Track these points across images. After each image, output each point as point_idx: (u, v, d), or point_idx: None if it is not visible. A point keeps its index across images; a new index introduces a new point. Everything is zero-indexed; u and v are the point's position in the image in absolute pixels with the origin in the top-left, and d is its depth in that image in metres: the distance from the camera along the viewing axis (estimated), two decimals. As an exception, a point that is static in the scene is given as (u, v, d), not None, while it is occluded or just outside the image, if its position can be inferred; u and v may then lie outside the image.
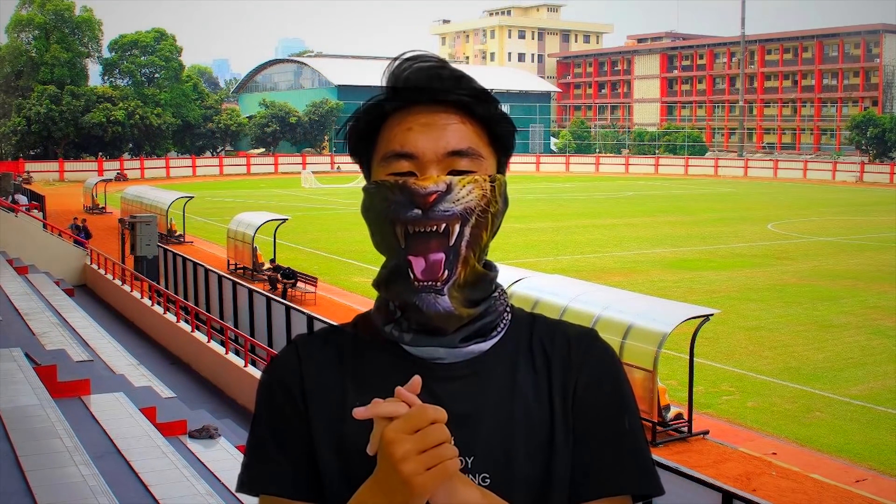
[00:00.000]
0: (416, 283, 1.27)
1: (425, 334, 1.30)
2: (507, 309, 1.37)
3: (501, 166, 1.36)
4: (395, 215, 1.27)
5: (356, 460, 1.24)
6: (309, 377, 1.34)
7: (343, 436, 1.28)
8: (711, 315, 12.45)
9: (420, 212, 1.25)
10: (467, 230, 1.27)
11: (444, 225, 1.26)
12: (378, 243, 1.33)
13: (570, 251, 27.83)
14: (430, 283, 1.27)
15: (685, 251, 27.86)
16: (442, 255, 1.27)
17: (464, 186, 1.26)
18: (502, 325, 1.35)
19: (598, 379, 1.33)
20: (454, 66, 1.34)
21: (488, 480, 1.25)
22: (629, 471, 1.31)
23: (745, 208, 42.00)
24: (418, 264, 1.27)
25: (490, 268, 1.35)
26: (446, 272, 1.27)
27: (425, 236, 1.27)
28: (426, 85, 1.29)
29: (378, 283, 1.35)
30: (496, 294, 1.35)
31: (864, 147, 69.97)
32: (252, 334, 16.03)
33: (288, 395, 1.33)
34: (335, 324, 1.44)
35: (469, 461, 1.25)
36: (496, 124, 1.33)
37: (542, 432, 1.29)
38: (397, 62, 1.33)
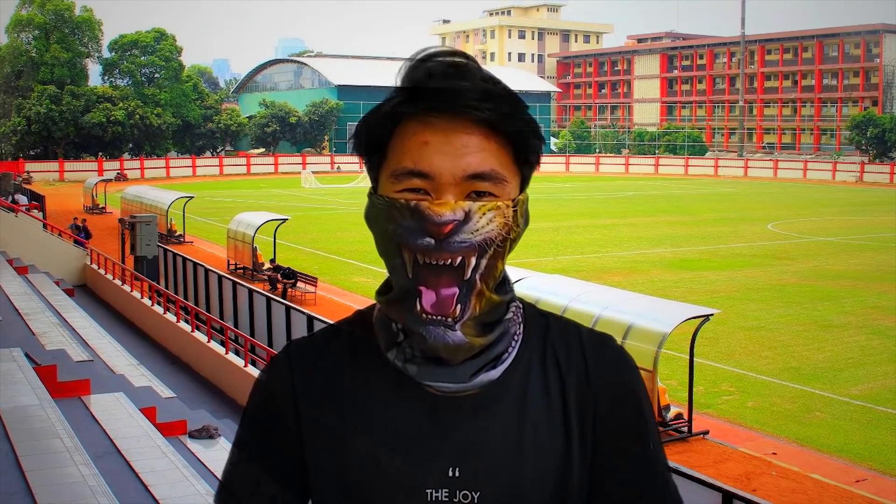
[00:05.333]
0: (423, 315, 1.15)
1: (432, 364, 1.18)
2: (520, 323, 1.25)
3: (525, 183, 1.21)
4: (402, 241, 1.13)
5: (356, 478, 1.20)
6: (302, 393, 1.25)
7: (342, 456, 1.21)
8: (711, 315, 12.45)
9: (433, 241, 1.11)
10: (484, 262, 1.14)
11: (459, 258, 1.12)
12: (382, 256, 1.20)
13: (570, 251, 27.82)
14: (439, 317, 1.14)
15: (685, 251, 27.86)
16: (455, 290, 1.14)
17: (484, 214, 1.12)
18: (514, 345, 1.23)
19: (620, 399, 1.24)
20: (480, 67, 1.17)
21: None
22: (657, 493, 1.25)
23: (745, 208, 41.99)
24: (428, 297, 1.14)
25: (505, 289, 1.22)
26: (459, 307, 1.14)
27: (436, 269, 1.13)
28: (448, 94, 1.13)
29: (383, 300, 1.22)
30: (510, 315, 1.23)
31: (864, 147, 69.96)
32: (252, 334, 16.03)
33: (279, 410, 1.26)
34: (332, 324, 1.34)
35: (476, 496, 1.17)
36: (523, 140, 1.17)
37: (554, 459, 1.20)
38: (416, 60, 1.18)
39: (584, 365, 1.24)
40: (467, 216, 1.12)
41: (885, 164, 65.74)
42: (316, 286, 20.55)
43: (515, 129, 1.16)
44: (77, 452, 7.31)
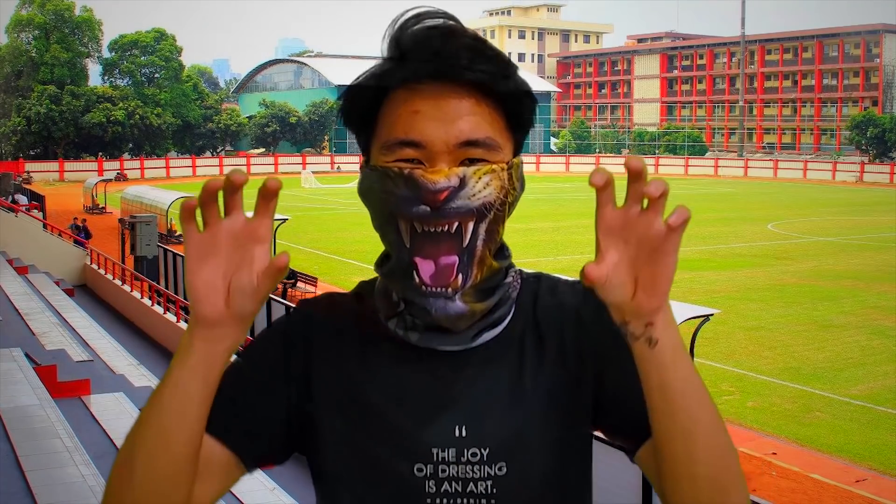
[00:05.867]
0: (423, 287, 1.13)
1: (434, 331, 1.17)
2: (517, 287, 1.24)
3: (519, 147, 1.18)
4: (397, 210, 1.11)
5: (364, 441, 1.19)
6: (318, 342, 1.23)
7: (350, 420, 1.20)
8: (711, 315, 12.42)
9: (428, 209, 1.09)
10: (483, 227, 1.12)
11: (456, 224, 1.10)
12: (378, 229, 1.18)
13: (570, 251, 27.81)
14: (439, 288, 1.12)
15: (685, 251, 27.56)
16: (455, 259, 1.11)
17: (479, 179, 1.10)
18: (513, 307, 1.23)
19: (607, 335, 1.16)
20: (466, 28, 1.15)
21: (504, 469, 1.17)
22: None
23: (745, 208, 41.98)
24: (426, 268, 1.12)
25: (503, 255, 1.22)
26: (460, 276, 1.12)
27: (434, 237, 1.11)
28: (436, 57, 1.10)
29: (382, 271, 1.21)
30: (509, 279, 1.22)
31: (864, 147, 70.00)
32: (252, 334, 15.94)
33: (290, 349, 1.24)
34: (337, 293, 1.32)
35: (484, 452, 1.17)
36: (516, 103, 1.15)
37: (556, 404, 1.19)
38: (400, 22, 1.14)
39: (575, 310, 1.23)
40: (462, 182, 1.09)
41: (885, 164, 65.75)
42: (316, 286, 20.56)
43: (507, 90, 1.14)
44: (77, 452, 7.32)
